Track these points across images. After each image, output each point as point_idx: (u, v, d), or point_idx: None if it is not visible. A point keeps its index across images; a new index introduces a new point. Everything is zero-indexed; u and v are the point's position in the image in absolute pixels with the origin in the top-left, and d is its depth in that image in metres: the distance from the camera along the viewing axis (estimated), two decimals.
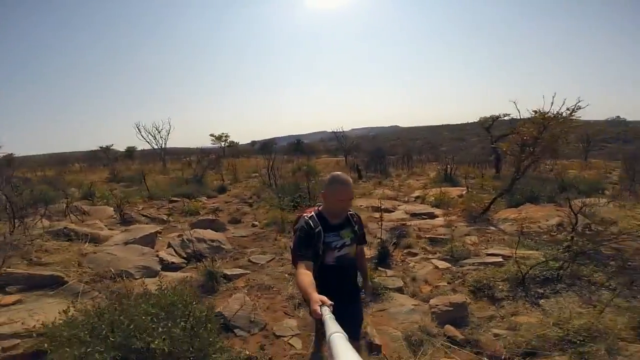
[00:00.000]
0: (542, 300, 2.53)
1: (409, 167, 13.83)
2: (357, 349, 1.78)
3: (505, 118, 11.17)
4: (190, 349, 1.49)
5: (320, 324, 0.94)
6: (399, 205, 6.62)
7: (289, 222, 5.10)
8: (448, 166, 9.51)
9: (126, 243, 3.35)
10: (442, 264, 3.41)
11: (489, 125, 11.06)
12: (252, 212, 6.13)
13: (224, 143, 22.54)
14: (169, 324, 1.50)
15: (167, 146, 17.55)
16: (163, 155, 16.43)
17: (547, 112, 3.91)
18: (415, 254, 3.85)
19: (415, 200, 7.28)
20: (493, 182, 8.53)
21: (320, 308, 0.95)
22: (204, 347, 1.54)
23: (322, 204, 1.60)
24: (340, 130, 19.74)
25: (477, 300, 2.63)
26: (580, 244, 2.94)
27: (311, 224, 1.50)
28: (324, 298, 1.01)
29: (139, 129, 15.75)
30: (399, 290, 2.89)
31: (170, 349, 1.43)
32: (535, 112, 4.05)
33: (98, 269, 2.81)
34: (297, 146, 26.75)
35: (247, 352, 1.97)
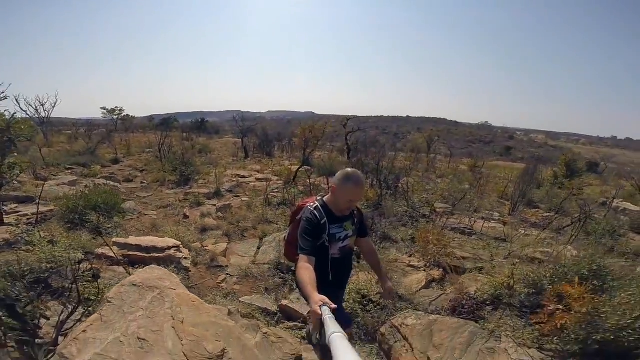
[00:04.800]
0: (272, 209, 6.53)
1: (291, 151, 18.01)
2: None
3: (358, 115, 16.19)
4: (107, 203, 4.90)
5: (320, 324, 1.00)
6: (254, 174, 10.50)
7: (169, 181, 8.40)
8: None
9: (58, 184, 6.26)
10: (246, 199, 7.29)
11: (345, 123, 15.81)
12: (142, 176, 9.18)
13: (116, 117, 23.06)
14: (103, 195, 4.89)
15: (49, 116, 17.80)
16: (45, 129, 16.82)
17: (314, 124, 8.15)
18: (238, 196, 7.67)
19: (270, 172, 11.29)
20: (331, 162, 13.22)
21: (321, 308, 1.08)
22: (116, 203, 4.97)
23: (329, 196, 1.71)
24: (239, 112, 22.70)
25: (250, 202, 6.55)
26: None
27: (317, 215, 1.63)
28: (325, 298, 1.14)
29: (17, 102, 15.78)
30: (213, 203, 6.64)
31: (102, 203, 4.82)
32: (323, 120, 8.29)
33: (51, 195, 5.76)
34: (201, 125, 28.62)
35: (130, 218, 5.40)
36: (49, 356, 1.91)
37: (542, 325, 2.35)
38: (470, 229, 5.94)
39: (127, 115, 24.24)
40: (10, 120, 3.72)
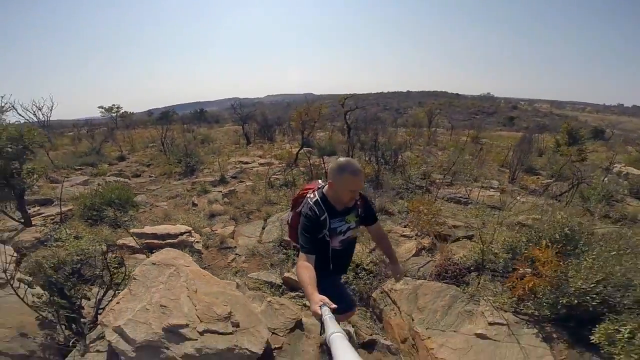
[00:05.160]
0: (275, 190, 6.90)
1: (292, 134, 18.19)
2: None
3: (357, 93, 16.20)
4: (121, 198, 5.29)
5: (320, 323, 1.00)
6: (257, 160, 10.83)
7: (175, 172, 8.78)
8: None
9: (72, 185, 6.67)
10: (250, 183, 7.64)
11: (343, 102, 15.83)
12: (149, 170, 9.58)
13: (115, 114, 23.37)
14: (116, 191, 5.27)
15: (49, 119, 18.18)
16: (47, 132, 17.24)
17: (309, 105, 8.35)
18: (242, 181, 8.03)
19: (271, 156, 11.60)
20: (331, 142, 13.42)
21: (321, 308, 1.09)
22: (128, 198, 5.36)
23: (328, 189, 1.67)
24: (237, 99, 22.78)
25: (253, 186, 6.90)
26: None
27: (317, 211, 1.61)
28: (325, 298, 1.16)
29: (14, 107, 16.14)
30: (219, 190, 7.02)
31: (117, 198, 5.21)
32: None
33: (67, 196, 6.18)
34: (201, 115, 28.84)
35: (143, 210, 5.80)
36: (92, 329, 2.32)
37: (514, 288, 2.55)
38: (466, 198, 6.20)
39: (126, 112, 24.54)
40: (22, 129, 4.05)
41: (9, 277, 2.12)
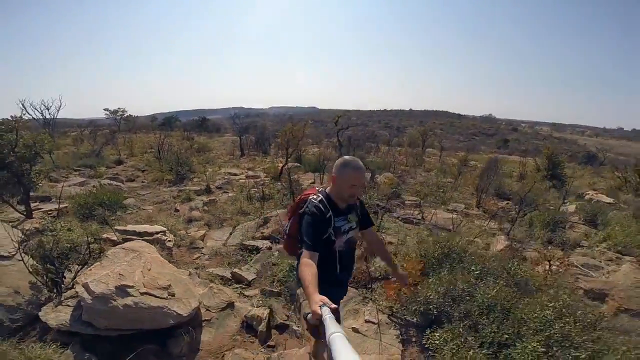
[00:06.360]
0: (253, 202, 7.75)
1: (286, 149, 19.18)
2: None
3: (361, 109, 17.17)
4: (112, 200, 6.19)
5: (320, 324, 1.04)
6: (246, 172, 11.73)
7: (166, 179, 9.68)
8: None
9: (69, 185, 7.59)
10: (232, 194, 8.48)
11: (337, 120, 16.81)
12: (143, 175, 10.52)
13: (119, 117, 24.57)
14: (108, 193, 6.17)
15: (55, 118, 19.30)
16: (52, 131, 18.36)
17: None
18: (227, 192, 8.88)
19: (260, 170, 12.50)
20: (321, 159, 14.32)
21: (321, 308, 1.12)
22: (118, 200, 6.25)
23: (331, 187, 1.76)
24: (241, 109, 23.91)
25: (235, 197, 7.76)
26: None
27: (322, 208, 1.67)
28: (325, 298, 1.19)
29: (24, 106, 17.29)
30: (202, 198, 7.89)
31: (107, 200, 6.10)
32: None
33: (64, 195, 7.09)
34: (202, 123, 30.08)
35: (130, 212, 6.65)
36: (68, 290, 3.13)
37: (388, 293, 3.13)
38: (419, 220, 7.00)
39: (130, 115, 25.78)
40: (36, 137, 5.00)
41: (18, 251, 2.96)
